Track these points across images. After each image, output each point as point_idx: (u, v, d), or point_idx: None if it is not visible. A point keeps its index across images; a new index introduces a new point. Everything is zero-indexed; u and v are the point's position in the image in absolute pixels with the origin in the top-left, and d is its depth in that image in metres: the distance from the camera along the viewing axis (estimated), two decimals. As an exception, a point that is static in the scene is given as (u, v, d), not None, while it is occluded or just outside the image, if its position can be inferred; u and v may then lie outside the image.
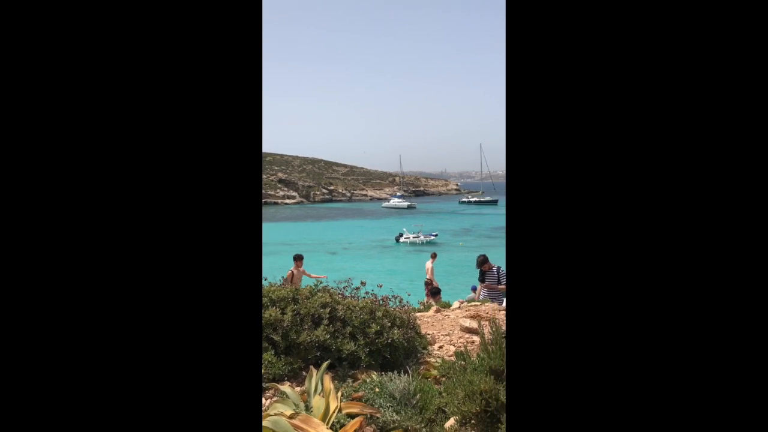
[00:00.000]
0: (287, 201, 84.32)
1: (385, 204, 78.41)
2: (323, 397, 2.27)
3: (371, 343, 3.06)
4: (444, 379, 2.70)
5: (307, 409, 2.27)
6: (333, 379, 2.64)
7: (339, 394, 2.36)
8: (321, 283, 4.29)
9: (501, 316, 4.48)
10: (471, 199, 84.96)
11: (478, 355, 2.31)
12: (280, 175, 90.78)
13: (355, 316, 3.15)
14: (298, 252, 8.36)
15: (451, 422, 2.20)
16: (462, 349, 2.71)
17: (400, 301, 6.10)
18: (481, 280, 6.67)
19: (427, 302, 6.51)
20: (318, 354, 2.95)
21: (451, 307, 5.18)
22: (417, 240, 35.24)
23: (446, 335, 3.99)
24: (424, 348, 3.51)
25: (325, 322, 3.07)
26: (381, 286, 6.48)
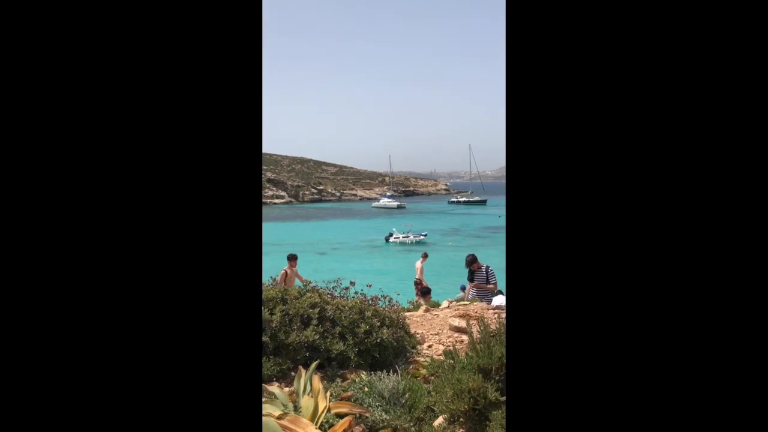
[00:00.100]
0: (276, 201, 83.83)
1: (375, 204, 78.41)
2: (312, 397, 2.27)
3: (360, 342, 3.06)
4: (433, 378, 2.72)
5: (296, 409, 2.26)
6: (322, 379, 2.63)
7: (328, 394, 2.35)
8: (310, 283, 4.28)
9: (489, 315, 4.51)
10: (460, 199, 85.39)
11: (466, 353, 2.32)
12: (268, 174, 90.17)
13: (345, 316, 3.15)
14: (291, 252, 8.31)
15: (439, 420, 2.22)
16: (451, 348, 2.73)
17: (389, 301, 6.10)
18: (470, 279, 6.71)
19: (417, 302, 6.52)
20: (307, 354, 2.94)
21: (441, 307, 5.20)
22: (407, 240, 35.30)
23: (435, 334, 4.01)
24: (414, 347, 3.52)
25: (315, 322, 3.06)
26: (370, 286, 6.48)
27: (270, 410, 2.11)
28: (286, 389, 2.54)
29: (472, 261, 6.63)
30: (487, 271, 6.56)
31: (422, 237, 35.73)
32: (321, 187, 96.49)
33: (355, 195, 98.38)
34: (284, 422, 2.01)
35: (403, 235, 35.81)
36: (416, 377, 2.88)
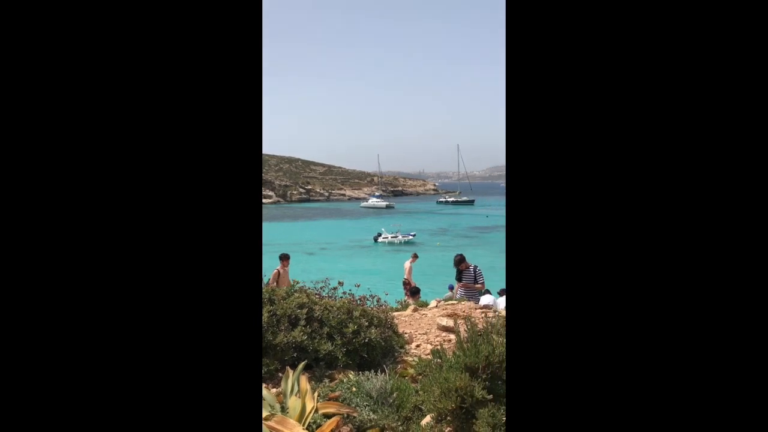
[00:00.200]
0: (264, 200, 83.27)
1: (364, 204, 78.33)
2: (299, 397, 2.26)
3: (348, 342, 3.06)
4: (420, 377, 2.73)
5: (283, 410, 2.25)
6: (310, 379, 2.63)
7: (315, 394, 2.35)
8: (298, 283, 4.26)
9: (477, 314, 4.54)
10: (448, 200, 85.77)
11: (454, 353, 2.33)
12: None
13: (333, 316, 3.14)
14: (282, 252, 8.25)
15: (427, 419, 2.23)
16: (438, 347, 2.74)
17: (377, 301, 6.11)
18: (458, 279, 6.75)
19: (406, 301, 6.54)
20: (295, 355, 2.93)
21: (429, 306, 5.22)
22: (395, 240, 35.34)
23: (423, 334, 4.02)
24: (402, 347, 3.53)
25: (302, 322, 3.05)
26: (359, 286, 6.48)
27: (257, 411, 2.10)
28: (274, 390, 2.52)
29: (460, 261, 6.68)
30: (475, 271, 6.61)
31: (411, 237, 35.79)
32: (309, 187, 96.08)
33: (344, 195, 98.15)
34: (271, 423, 2.00)
35: (392, 235, 35.84)
36: (404, 377, 2.89)
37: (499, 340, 2.24)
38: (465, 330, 2.40)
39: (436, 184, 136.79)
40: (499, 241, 34.46)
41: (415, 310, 4.92)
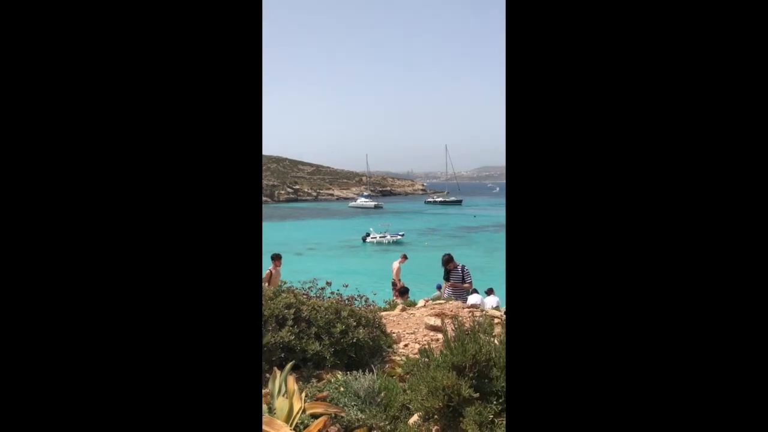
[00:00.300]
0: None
1: (352, 204, 78.25)
2: (287, 398, 2.25)
3: (336, 342, 3.05)
4: (408, 376, 2.73)
5: (270, 411, 2.24)
6: (297, 379, 2.62)
7: (303, 394, 2.34)
8: (285, 283, 4.24)
9: (464, 313, 4.57)
10: (436, 200, 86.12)
11: (441, 351, 2.35)
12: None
13: (320, 317, 3.14)
14: (273, 252, 8.20)
15: (414, 418, 2.24)
16: (426, 346, 2.75)
17: (365, 301, 6.11)
18: (446, 278, 6.78)
19: (394, 301, 6.55)
20: (282, 355, 2.92)
21: (417, 306, 5.24)
22: (384, 240, 35.35)
23: (411, 333, 4.03)
24: (390, 346, 3.54)
25: (290, 323, 3.04)
26: (347, 286, 6.47)
27: (244, 412, 2.08)
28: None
29: (448, 260, 6.71)
30: (462, 271, 6.65)
31: (399, 237, 35.84)
32: (297, 187, 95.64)
33: (332, 195, 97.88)
34: (258, 424, 1.99)
35: (380, 235, 35.85)
36: (392, 376, 2.90)
37: (486, 339, 2.26)
38: (452, 329, 2.41)
39: (425, 184, 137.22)
40: (486, 241, 34.69)
41: (403, 309, 4.93)
